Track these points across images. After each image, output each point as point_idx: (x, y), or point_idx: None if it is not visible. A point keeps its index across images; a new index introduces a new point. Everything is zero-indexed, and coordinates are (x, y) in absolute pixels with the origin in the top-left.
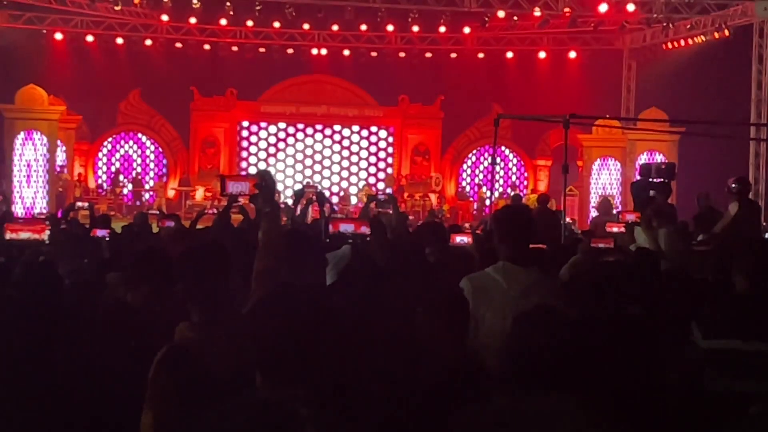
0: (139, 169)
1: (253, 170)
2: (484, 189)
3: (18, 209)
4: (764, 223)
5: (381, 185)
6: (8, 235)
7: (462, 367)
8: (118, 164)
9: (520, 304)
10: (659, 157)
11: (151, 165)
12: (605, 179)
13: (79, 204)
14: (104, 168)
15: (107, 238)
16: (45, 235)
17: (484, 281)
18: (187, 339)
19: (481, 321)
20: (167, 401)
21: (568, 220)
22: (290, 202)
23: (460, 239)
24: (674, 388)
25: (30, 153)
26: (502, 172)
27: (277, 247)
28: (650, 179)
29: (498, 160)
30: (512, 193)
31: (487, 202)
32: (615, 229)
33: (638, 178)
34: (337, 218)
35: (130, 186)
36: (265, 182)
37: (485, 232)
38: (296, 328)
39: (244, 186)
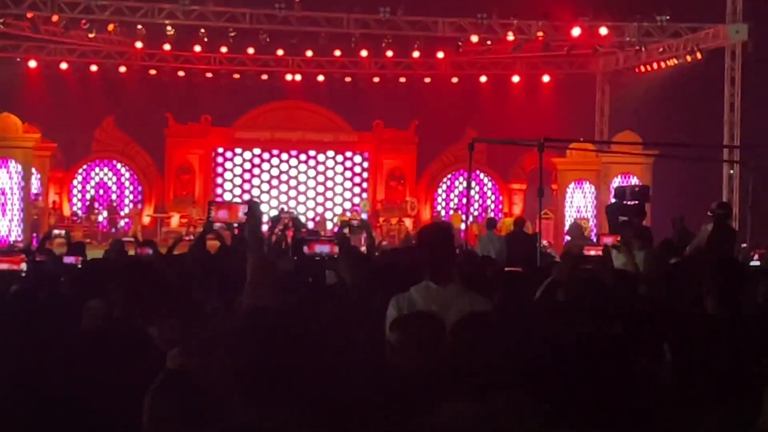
0: (114, 196)
1: (228, 197)
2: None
3: None
4: (743, 245)
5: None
6: None
7: (432, 384)
8: (93, 191)
9: None
10: (633, 180)
11: (126, 192)
12: (579, 201)
13: (56, 231)
14: (79, 195)
15: (79, 266)
16: (23, 266)
17: (404, 303)
18: (181, 365)
19: None
20: (164, 429)
21: (543, 243)
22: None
23: None
24: (645, 406)
25: (4, 181)
26: (477, 197)
27: (263, 279)
28: (625, 202)
29: (473, 184)
30: (487, 217)
31: (463, 226)
32: (593, 252)
33: (613, 200)
34: (312, 239)
35: (105, 213)
36: (252, 213)
37: (463, 254)
38: (273, 351)
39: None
